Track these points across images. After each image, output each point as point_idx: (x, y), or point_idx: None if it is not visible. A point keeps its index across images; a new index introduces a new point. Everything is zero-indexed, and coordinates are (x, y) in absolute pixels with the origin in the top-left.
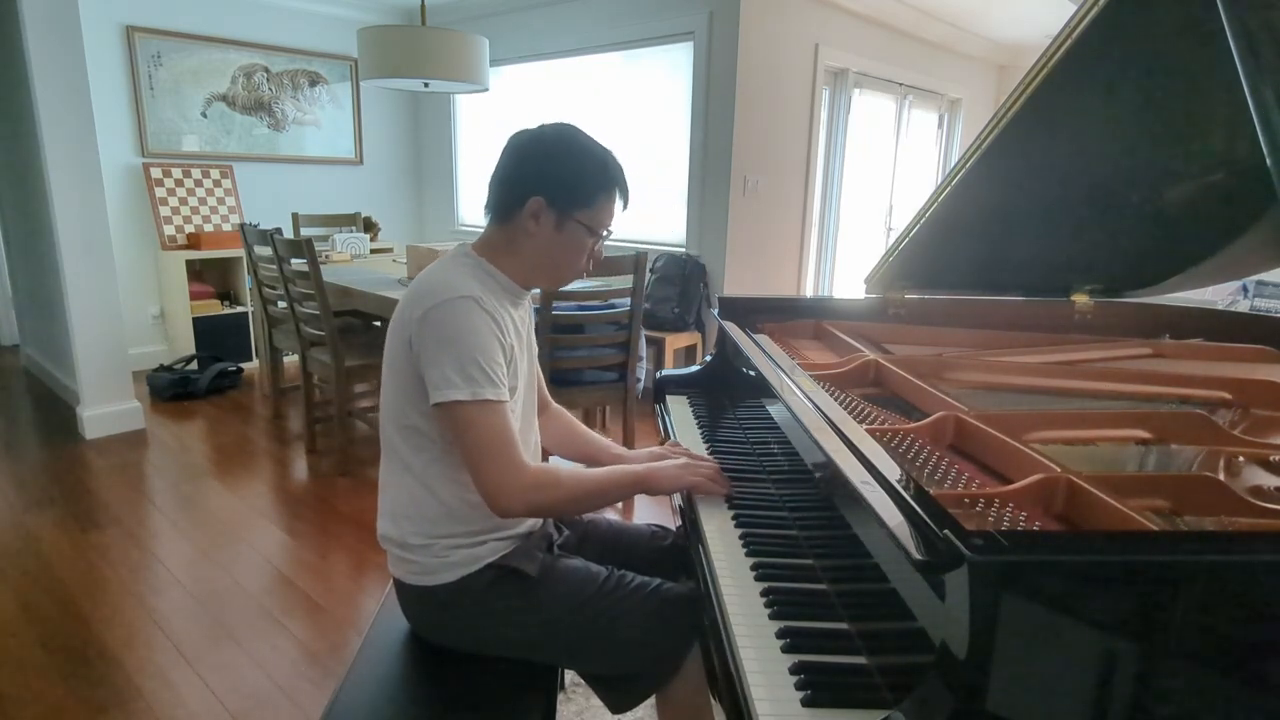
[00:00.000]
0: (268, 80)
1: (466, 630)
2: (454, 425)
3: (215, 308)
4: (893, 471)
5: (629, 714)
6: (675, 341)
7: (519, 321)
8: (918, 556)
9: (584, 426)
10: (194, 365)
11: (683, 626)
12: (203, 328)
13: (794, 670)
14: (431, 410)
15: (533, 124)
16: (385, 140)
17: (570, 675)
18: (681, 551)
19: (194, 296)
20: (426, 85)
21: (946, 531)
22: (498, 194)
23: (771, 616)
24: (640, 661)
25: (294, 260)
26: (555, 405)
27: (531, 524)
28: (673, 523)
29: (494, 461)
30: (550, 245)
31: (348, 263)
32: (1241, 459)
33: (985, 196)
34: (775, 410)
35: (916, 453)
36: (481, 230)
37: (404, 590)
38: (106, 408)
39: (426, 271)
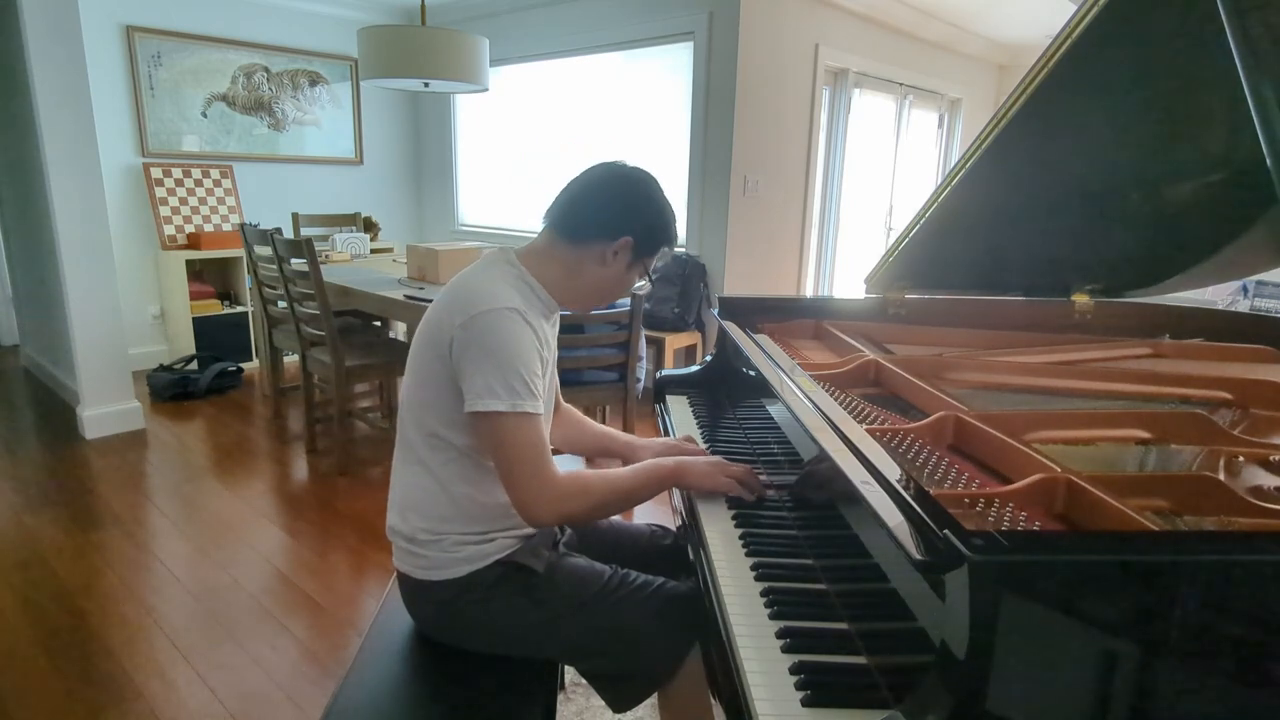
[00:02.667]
0: (268, 80)
1: (470, 626)
2: (491, 435)
3: (215, 308)
4: (893, 471)
5: (629, 714)
6: (675, 341)
7: (550, 335)
8: (918, 556)
9: (591, 420)
10: (194, 365)
11: (685, 624)
12: (203, 328)
13: (794, 670)
14: (466, 416)
15: (617, 160)
16: (385, 140)
17: (570, 675)
18: (681, 551)
19: (194, 296)
20: (426, 85)
21: (946, 531)
22: (583, 214)
23: (771, 616)
24: (642, 659)
25: (294, 260)
26: (565, 405)
27: None
28: (673, 523)
29: (528, 473)
30: (612, 279)
31: (348, 263)
32: (1241, 459)
33: (985, 196)
34: (775, 410)
35: (916, 453)
36: (480, 229)
37: (409, 585)
38: (106, 408)
39: (467, 276)
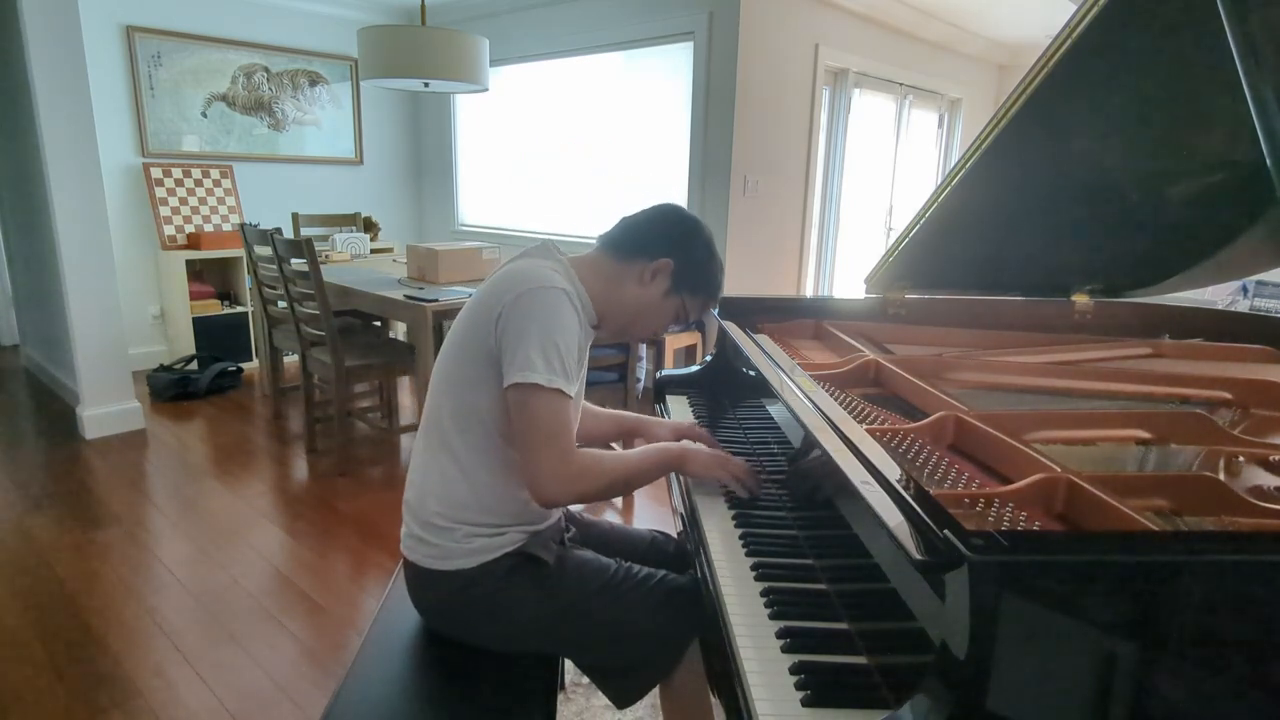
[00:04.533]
0: (268, 80)
1: (477, 617)
2: (520, 407)
3: (215, 308)
4: (893, 471)
5: (629, 714)
6: (675, 341)
7: (586, 342)
8: (918, 556)
9: (598, 407)
10: (194, 365)
11: (686, 616)
12: (203, 328)
13: (794, 670)
14: (501, 394)
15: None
16: (385, 140)
17: (571, 675)
18: (684, 558)
19: (194, 296)
20: (426, 85)
21: (946, 531)
22: (632, 235)
23: (771, 616)
24: (644, 653)
25: (294, 260)
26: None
27: (551, 517)
28: (673, 525)
29: (551, 449)
30: (647, 304)
31: (348, 263)
32: (1241, 459)
33: (985, 196)
34: (775, 410)
35: (916, 453)
36: (480, 229)
37: (416, 574)
38: (106, 408)
39: (517, 261)
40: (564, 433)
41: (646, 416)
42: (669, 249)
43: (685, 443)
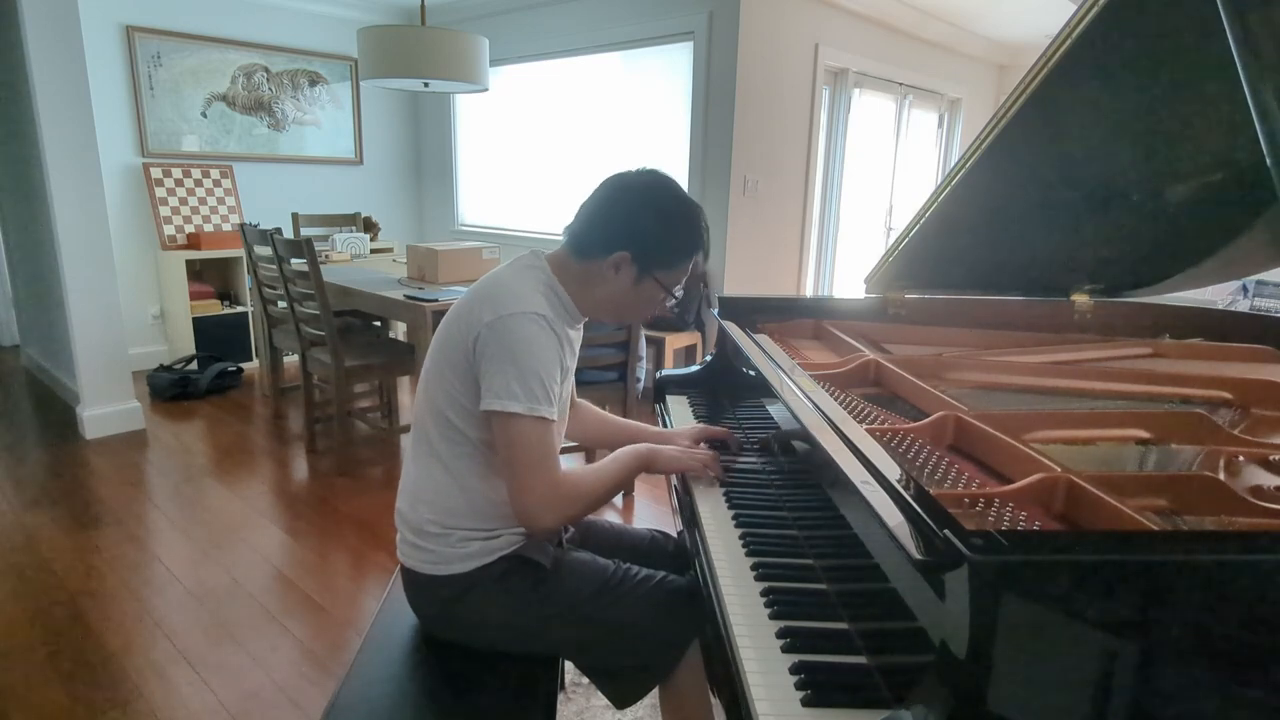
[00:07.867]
0: (268, 80)
1: (475, 621)
2: (504, 435)
3: (215, 308)
4: (893, 471)
5: (629, 714)
6: (675, 341)
7: (575, 342)
8: (918, 556)
9: (610, 415)
10: (194, 365)
11: (686, 616)
12: (203, 328)
13: (794, 670)
14: (481, 414)
15: (630, 168)
16: (385, 140)
17: (571, 675)
18: (683, 556)
19: (194, 296)
20: (426, 85)
21: (946, 531)
22: (584, 231)
23: (771, 616)
24: (644, 653)
25: (294, 260)
26: (580, 400)
27: None
28: (673, 525)
29: (535, 477)
30: (624, 295)
31: (348, 263)
32: (1241, 459)
33: (985, 196)
34: (775, 410)
35: (916, 453)
36: (480, 229)
37: (413, 580)
38: (106, 408)
39: (499, 275)
40: (549, 459)
41: (651, 428)
42: (622, 239)
43: (655, 445)
